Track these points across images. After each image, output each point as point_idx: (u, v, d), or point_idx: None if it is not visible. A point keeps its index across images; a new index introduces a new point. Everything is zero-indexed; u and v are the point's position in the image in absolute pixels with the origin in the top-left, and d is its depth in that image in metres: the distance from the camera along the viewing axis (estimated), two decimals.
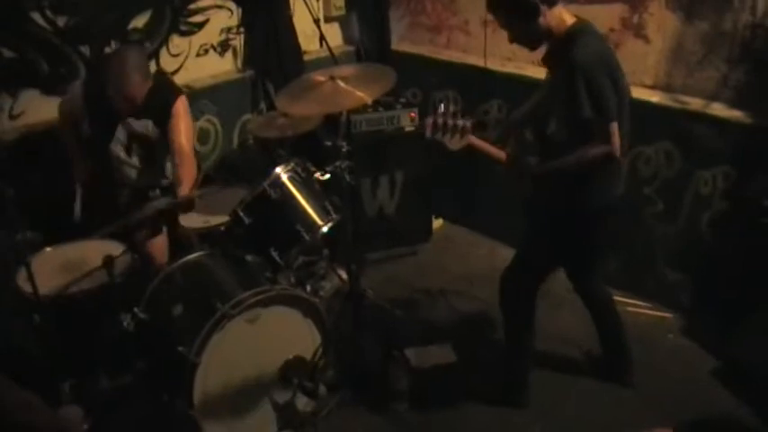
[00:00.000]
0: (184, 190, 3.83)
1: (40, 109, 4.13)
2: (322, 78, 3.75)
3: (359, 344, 4.00)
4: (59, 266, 3.62)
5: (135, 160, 4.06)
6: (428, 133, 3.20)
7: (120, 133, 3.99)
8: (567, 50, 3.03)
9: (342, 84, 3.69)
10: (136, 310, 3.40)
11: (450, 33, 5.29)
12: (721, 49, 3.96)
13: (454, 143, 3.22)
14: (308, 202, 3.56)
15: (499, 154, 3.30)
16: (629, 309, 4.31)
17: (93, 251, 3.59)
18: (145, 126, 3.97)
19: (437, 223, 5.38)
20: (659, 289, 4.38)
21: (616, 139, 3.04)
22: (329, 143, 4.19)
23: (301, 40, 5.18)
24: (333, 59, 4.34)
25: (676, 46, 4.13)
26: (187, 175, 3.89)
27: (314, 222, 3.55)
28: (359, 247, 4.39)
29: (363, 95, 3.66)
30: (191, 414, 3.17)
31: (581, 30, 3.12)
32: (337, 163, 3.90)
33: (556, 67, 3.21)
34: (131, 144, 4.01)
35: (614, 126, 3.03)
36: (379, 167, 4.91)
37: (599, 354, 3.87)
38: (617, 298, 3.90)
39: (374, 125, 4.82)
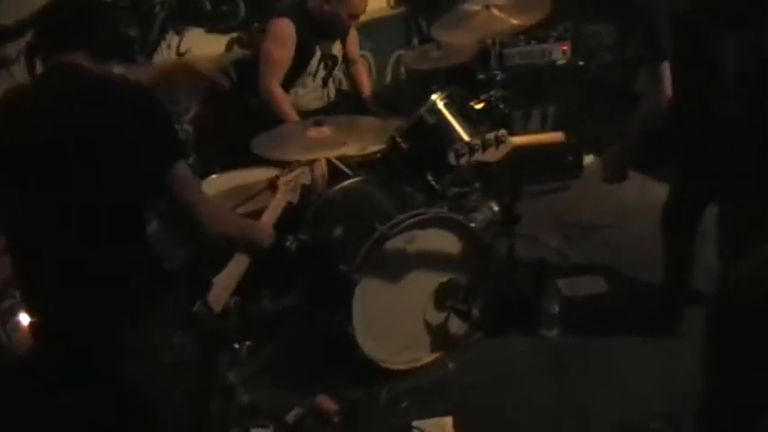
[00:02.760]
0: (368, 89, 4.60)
1: (204, 46, 4.34)
2: (477, 7, 3.79)
3: (511, 272, 4.05)
4: (225, 192, 3.78)
5: (319, 82, 4.41)
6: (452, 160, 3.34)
7: (317, 52, 4.30)
8: None
9: (496, 12, 3.72)
10: (298, 231, 3.57)
11: None
12: None
13: (493, 155, 3.33)
14: (463, 128, 3.62)
15: (554, 137, 3.31)
16: None
17: (258, 177, 3.78)
18: (335, 45, 4.38)
19: (588, 158, 5.33)
20: None
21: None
22: (482, 76, 4.23)
23: None
24: None
25: None
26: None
27: None
28: (510, 179, 4.42)
29: (518, 23, 3.67)
30: (349, 331, 3.33)
31: None
32: (492, 92, 3.94)
33: None
34: (319, 65, 4.33)
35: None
36: (531, 101, 4.92)
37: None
38: None
39: (527, 58, 4.83)
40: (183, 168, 2.28)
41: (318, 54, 4.26)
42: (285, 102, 4.09)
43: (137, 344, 2.25)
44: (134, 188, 2.23)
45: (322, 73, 4.34)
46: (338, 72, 4.57)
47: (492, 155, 3.51)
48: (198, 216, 2.34)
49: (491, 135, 3.47)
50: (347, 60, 4.55)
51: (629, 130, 3.19)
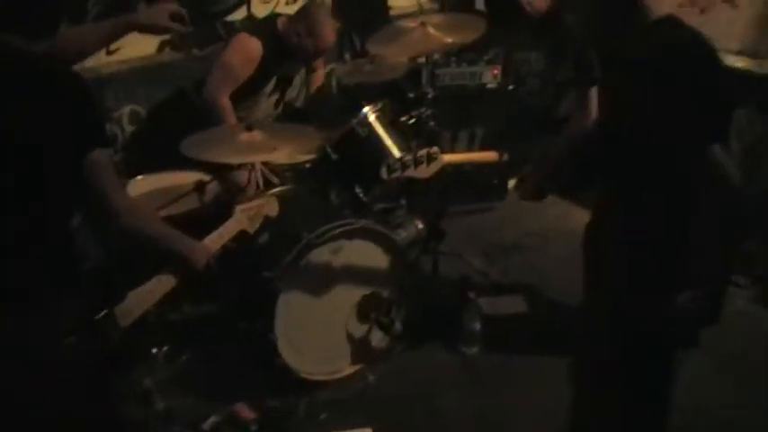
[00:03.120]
0: None
1: (135, 46, 4.27)
2: (412, 24, 3.84)
3: (434, 288, 4.08)
4: (149, 193, 3.74)
5: (272, 102, 4.41)
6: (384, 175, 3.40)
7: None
8: None
9: (431, 30, 3.77)
10: None
11: None
12: None
13: (424, 171, 3.41)
14: (393, 141, 3.65)
15: (487, 156, 3.41)
16: None
17: (184, 180, 3.74)
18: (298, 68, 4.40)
19: (512, 181, 5.42)
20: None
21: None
22: (412, 95, 4.27)
23: None
24: (420, 11, 4.41)
25: (764, 12, 4.10)
26: None
27: None
28: (436, 197, 4.47)
29: (452, 41, 3.73)
30: (270, 339, 3.29)
31: None
32: (422, 110, 3.98)
33: None
34: (277, 87, 4.34)
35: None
36: (460, 122, 4.97)
37: None
38: None
39: (457, 79, 4.88)
40: (100, 156, 2.21)
41: (275, 77, 4.27)
42: (231, 115, 4.01)
43: (19, 337, 2.14)
44: (49, 173, 2.14)
45: (276, 94, 4.33)
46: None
47: (423, 171, 3.54)
48: (111, 204, 2.26)
49: (423, 152, 3.49)
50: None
51: (551, 150, 3.26)
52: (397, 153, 3.60)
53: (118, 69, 4.23)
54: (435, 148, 3.53)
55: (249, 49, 4.04)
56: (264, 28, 4.20)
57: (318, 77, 4.65)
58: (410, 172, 3.50)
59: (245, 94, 4.14)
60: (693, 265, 2.51)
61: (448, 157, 3.64)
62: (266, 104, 4.34)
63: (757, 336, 3.88)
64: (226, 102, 4.00)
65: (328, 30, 4.08)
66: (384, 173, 3.44)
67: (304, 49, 4.09)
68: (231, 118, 3.98)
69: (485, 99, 4.96)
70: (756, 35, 4.17)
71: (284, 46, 4.09)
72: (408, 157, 3.47)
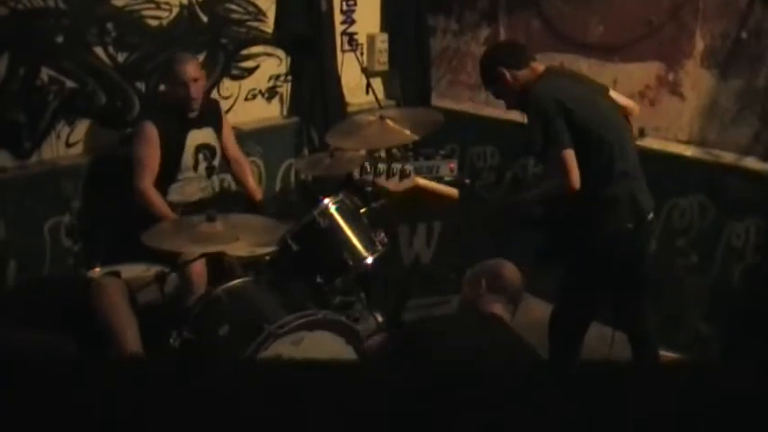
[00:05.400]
0: (260, 194, 4.48)
1: (95, 139, 4.31)
2: (371, 118, 3.91)
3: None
4: None
5: (202, 173, 4.34)
6: (356, 174, 3.48)
7: (189, 145, 4.24)
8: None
9: (390, 123, 3.85)
10: (182, 329, 3.48)
11: None
12: (755, 105, 4.08)
13: (394, 185, 3.48)
14: (354, 232, 3.67)
15: (450, 191, 3.51)
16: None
17: (140, 273, 3.70)
18: (208, 134, 4.31)
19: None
20: (691, 342, 4.41)
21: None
22: (369, 189, 4.32)
23: (345, 91, 5.37)
24: (378, 107, 4.50)
25: (711, 103, 4.26)
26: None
27: (360, 252, 3.66)
28: (395, 293, 4.47)
29: (410, 134, 3.80)
30: None
31: (545, 73, 3.46)
32: (382, 201, 4.03)
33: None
34: (197, 158, 4.27)
35: (567, 154, 3.22)
36: (417, 216, 5.01)
37: None
38: None
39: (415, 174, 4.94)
40: None
41: (192, 147, 4.26)
42: (157, 201, 4.06)
43: None
44: None
45: (204, 164, 4.33)
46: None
47: (393, 185, 3.76)
48: None
49: (398, 166, 3.83)
50: (227, 159, 4.54)
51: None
52: (357, 243, 3.63)
53: (75, 162, 4.24)
54: (410, 167, 3.60)
55: (144, 132, 4.11)
56: (155, 105, 4.38)
57: (243, 171, 4.61)
58: (381, 180, 3.55)
59: (170, 173, 4.20)
60: None
61: (420, 180, 3.72)
62: (196, 176, 4.34)
63: None
64: (150, 191, 4.06)
65: (189, 67, 4.12)
66: (356, 173, 3.49)
67: (182, 101, 4.13)
68: (161, 206, 4.05)
69: None
70: (703, 125, 4.31)
71: (174, 110, 4.16)
72: (382, 165, 3.52)
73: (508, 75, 3.46)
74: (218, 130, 4.39)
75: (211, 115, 4.36)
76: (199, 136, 4.28)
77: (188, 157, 4.24)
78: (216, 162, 4.37)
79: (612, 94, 3.63)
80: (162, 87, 4.41)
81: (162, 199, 4.10)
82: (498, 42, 4.89)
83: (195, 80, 4.10)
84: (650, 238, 3.67)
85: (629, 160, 3.41)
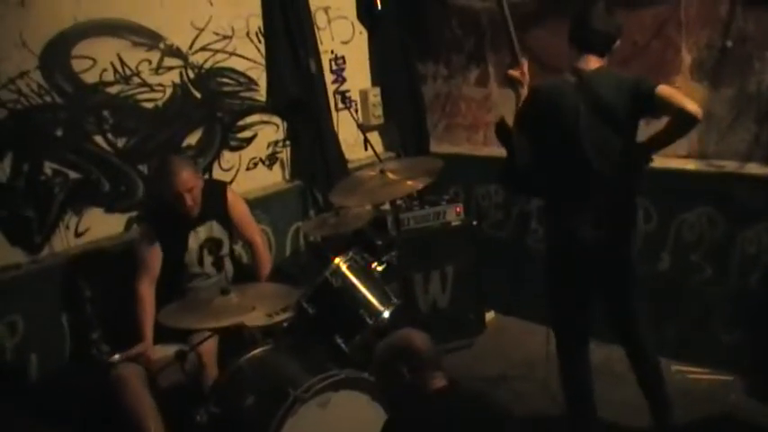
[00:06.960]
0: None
1: (103, 226, 4.35)
2: (372, 173, 3.96)
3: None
4: None
5: (209, 269, 4.22)
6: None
7: (193, 243, 4.14)
8: None
9: (391, 175, 3.89)
10: (209, 404, 3.48)
11: (487, 130, 5.47)
12: (749, 110, 4.12)
13: None
14: (368, 288, 3.69)
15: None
16: (690, 377, 4.33)
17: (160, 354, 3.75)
18: (210, 228, 4.17)
19: (490, 314, 5.45)
20: (717, 353, 4.38)
21: None
22: (380, 242, 4.35)
23: (344, 148, 5.42)
24: (378, 160, 4.54)
25: (706, 114, 4.26)
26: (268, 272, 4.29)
27: (376, 307, 3.67)
28: None
29: (413, 183, 3.84)
30: None
31: None
32: (393, 253, 4.05)
33: None
34: (202, 253, 4.17)
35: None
36: (430, 263, 5.03)
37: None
38: (676, 367, 4.00)
39: (421, 222, 4.97)
40: None
41: (195, 245, 4.17)
42: (144, 307, 3.95)
43: None
44: None
45: (210, 259, 4.23)
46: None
47: None
48: None
49: None
50: (244, 242, 4.51)
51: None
52: (372, 298, 3.65)
53: (86, 250, 4.26)
54: None
55: (143, 234, 4.09)
56: (153, 206, 4.27)
57: (256, 252, 4.42)
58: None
59: (176, 274, 4.13)
60: None
61: None
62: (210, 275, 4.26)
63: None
64: (143, 293, 3.98)
65: (182, 179, 3.94)
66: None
67: (174, 200, 3.98)
68: (141, 311, 3.94)
69: (451, 237, 5.04)
70: (701, 137, 4.32)
71: (171, 211, 4.02)
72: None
73: None
74: (223, 219, 4.25)
75: (214, 207, 4.20)
76: (202, 233, 4.18)
77: (191, 255, 4.16)
78: (224, 251, 4.27)
79: None
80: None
81: (149, 307, 3.96)
82: None
83: (190, 190, 3.95)
84: (634, 244, 3.62)
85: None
